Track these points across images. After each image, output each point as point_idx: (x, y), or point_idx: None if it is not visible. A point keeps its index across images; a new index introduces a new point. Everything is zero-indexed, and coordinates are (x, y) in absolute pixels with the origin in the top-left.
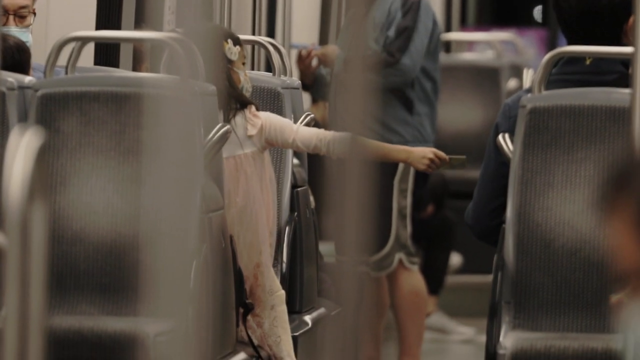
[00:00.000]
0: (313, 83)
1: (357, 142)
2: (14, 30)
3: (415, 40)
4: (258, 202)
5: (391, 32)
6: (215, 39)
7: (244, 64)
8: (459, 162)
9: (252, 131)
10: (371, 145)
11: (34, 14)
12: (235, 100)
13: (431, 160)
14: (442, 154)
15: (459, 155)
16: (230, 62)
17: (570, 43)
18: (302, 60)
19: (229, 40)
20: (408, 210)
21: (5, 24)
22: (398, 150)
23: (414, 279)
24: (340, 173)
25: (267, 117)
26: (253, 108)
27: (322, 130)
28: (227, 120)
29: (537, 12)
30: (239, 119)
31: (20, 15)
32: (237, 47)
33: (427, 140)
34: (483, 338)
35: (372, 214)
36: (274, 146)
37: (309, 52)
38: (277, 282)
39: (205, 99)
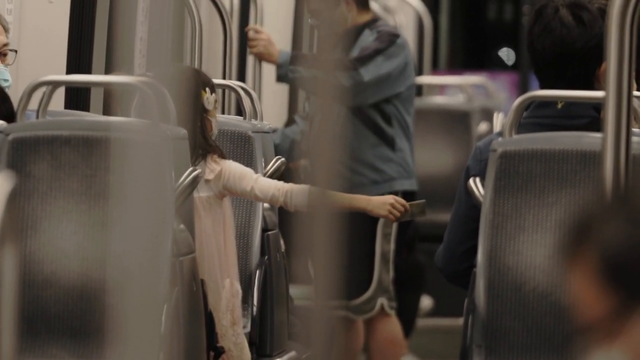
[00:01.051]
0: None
1: (324, 192)
2: (2, 68)
3: (377, 60)
4: (209, 246)
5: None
6: (192, 86)
7: (215, 108)
8: (418, 208)
9: (210, 176)
10: (333, 196)
11: (15, 51)
12: (201, 147)
13: (392, 206)
14: (402, 200)
15: (418, 201)
16: (205, 110)
17: (542, 86)
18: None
19: (207, 89)
20: (391, 255)
21: None
22: (358, 199)
23: (392, 324)
24: (309, 221)
25: (228, 165)
26: (215, 156)
27: (281, 182)
28: (191, 164)
29: (504, 53)
30: (201, 164)
31: (3, 53)
32: (213, 95)
33: (411, 176)
34: None
35: (344, 260)
36: (232, 194)
37: None
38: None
39: (176, 143)
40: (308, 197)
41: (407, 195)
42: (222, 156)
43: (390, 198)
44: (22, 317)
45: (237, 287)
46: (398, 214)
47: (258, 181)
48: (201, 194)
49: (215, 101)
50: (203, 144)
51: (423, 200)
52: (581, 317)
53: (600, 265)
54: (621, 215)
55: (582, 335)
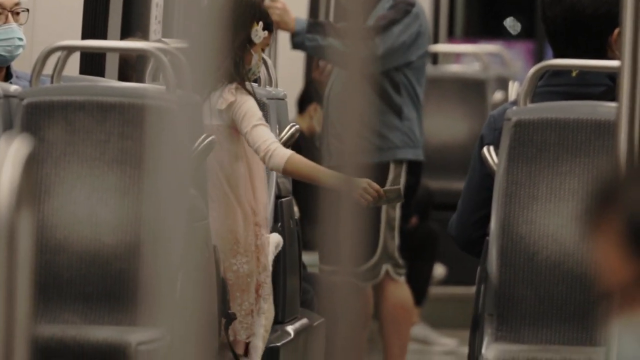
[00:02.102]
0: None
1: (351, 154)
2: (15, 27)
3: (393, 31)
4: (225, 171)
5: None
6: (244, 13)
7: (263, 50)
8: (394, 194)
9: (222, 105)
10: (307, 165)
11: (27, 10)
12: (226, 73)
13: (364, 190)
14: (376, 185)
15: (393, 187)
16: (250, 41)
17: (556, 54)
18: (320, 71)
19: (260, 23)
20: (397, 222)
21: (5, 21)
22: (332, 175)
23: (400, 290)
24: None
25: (241, 100)
26: (234, 87)
27: (271, 139)
28: (210, 89)
29: (509, 23)
30: (219, 91)
31: (16, 12)
32: (265, 32)
33: (417, 146)
34: (465, 349)
35: (361, 224)
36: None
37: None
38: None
39: (191, 109)
40: (286, 163)
41: (412, 165)
42: (245, 89)
43: (364, 182)
44: (34, 283)
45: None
46: (370, 199)
47: (254, 129)
48: (213, 122)
49: (265, 40)
50: (229, 71)
51: (399, 186)
52: (604, 283)
53: (626, 230)
54: None
55: (603, 302)
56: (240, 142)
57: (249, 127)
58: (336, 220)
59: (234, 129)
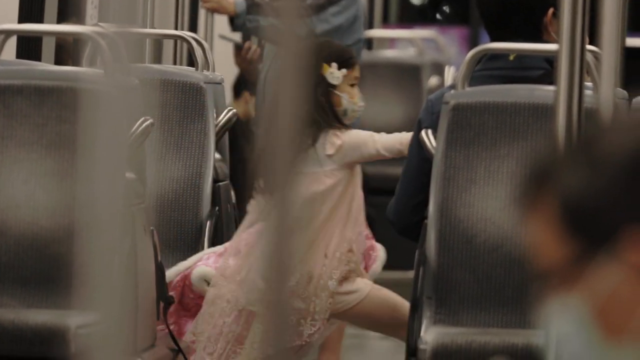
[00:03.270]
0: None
1: (287, 137)
2: None
3: (330, 10)
4: (336, 214)
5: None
6: (314, 56)
7: (353, 85)
8: None
9: (330, 150)
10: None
11: None
12: (320, 120)
13: None
14: None
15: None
16: (330, 84)
17: (492, 39)
18: (242, 57)
19: (333, 64)
20: None
21: None
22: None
23: None
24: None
25: (348, 137)
26: (337, 130)
27: (400, 135)
28: (312, 141)
29: (443, 8)
30: (322, 138)
31: None
32: (343, 70)
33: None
34: None
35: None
36: (357, 163)
37: (248, 48)
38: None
39: (128, 93)
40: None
41: None
42: (346, 129)
43: None
44: None
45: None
46: None
47: (379, 141)
48: (325, 168)
49: (349, 76)
50: (323, 118)
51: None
52: (539, 264)
53: (561, 211)
54: (582, 161)
55: (538, 284)
56: (354, 180)
57: (375, 146)
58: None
59: (348, 166)
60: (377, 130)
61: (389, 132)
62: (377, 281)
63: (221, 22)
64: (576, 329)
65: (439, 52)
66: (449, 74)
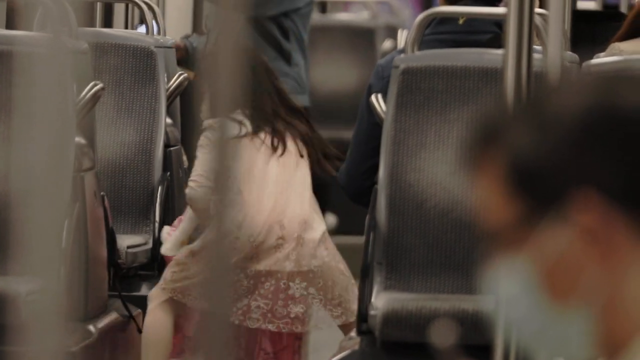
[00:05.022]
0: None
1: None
2: None
3: None
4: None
5: None
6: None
7: None
8: None
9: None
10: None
11: None
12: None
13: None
14: None
15: None
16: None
17: (443, 2)
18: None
19: None
20: None
21: None
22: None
23: None
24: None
25: None
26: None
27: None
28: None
29: None
30: None
31: None
32: None
33: (305, 92)
34: None
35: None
36: None
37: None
38: None
39: (78, 57)
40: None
41: None
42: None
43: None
44: None
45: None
46: None
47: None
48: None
49: None
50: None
51: None
52: (486, 225)
53: (508, 171)
54: (530, 122)
55: (486, 245)
56: None
57: None
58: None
59: None
60: (331, 94)
61: (342, 95)
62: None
63: None
64: (523, 291)
65: (392, 15)
66: (402, 37)
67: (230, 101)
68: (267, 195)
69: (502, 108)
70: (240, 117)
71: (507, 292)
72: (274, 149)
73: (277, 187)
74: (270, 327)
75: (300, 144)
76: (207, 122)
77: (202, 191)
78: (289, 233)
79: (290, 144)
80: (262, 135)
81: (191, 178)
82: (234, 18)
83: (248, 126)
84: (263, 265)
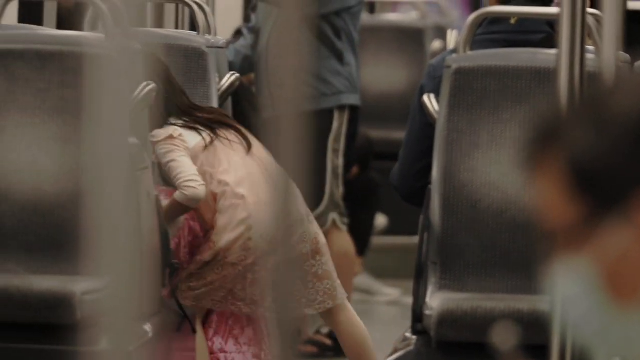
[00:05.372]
0: None
1: (293, 102)
2: None
3: None
4: None
5: None
6: None
7: None
8: None
9: None
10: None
11: None
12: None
13: None
14: None
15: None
16: None
17: (494, 2)
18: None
19: None
20: (340, 170)
21: None
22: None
23: (343, 239)
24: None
25: None
26: None
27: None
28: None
29: None
30: None
31: None
32: None
33: (357, 91)
34: (408, 299)
35: (309, 173)
36: None
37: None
38: None
39: (130, 57)
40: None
41: (353, 110)
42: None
43: None
44: None
45: None
46: None
47: None
48: None
49: None
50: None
51: None
52: (546, 226)
53: (569, 172)
54: (587, 122)
55: (545, 247)
56: None
57: None
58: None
59: None
60: (380, 95)
61: (391, 96)
62: (382, 247)
63: None
64: (583, 292)
65: (441, 15)
66: (452, 37)
67: (295, 96)
68: (261, 190)
69: (559, 109)
70: (191, 125)
71: (567, 292)
72: (247, 144)
73: (264, 179)
74: (310, 311)
75: (243, 132)
76: (157, 132)
77: (204, 189)
78: (294, 218)
79: (245, 135)
80: (225, 134)
81: (186, 179)
82: (294, 17)
83: (206, 132)
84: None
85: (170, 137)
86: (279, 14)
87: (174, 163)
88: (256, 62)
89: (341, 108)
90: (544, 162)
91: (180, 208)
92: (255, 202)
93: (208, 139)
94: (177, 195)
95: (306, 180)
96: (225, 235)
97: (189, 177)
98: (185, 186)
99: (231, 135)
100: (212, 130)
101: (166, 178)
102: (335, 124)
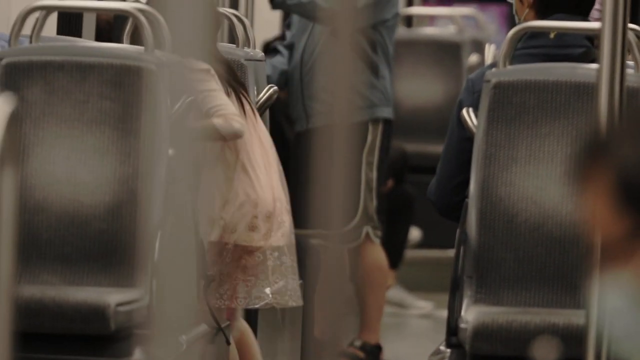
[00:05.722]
0: None
1: (341, 115)
2: None
3: None
4: None
5: None
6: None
7: None
8: None
9: None
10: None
11: None
12: None
13: None
14: None
15: None
16: None
17: (537, 15)
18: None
19: None
20: (374, 183)
21: None
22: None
23: (377, 252)
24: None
25: None
26: None
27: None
28: None
29: None
30: None
31: None
32: None
33: (390, 104)
34: (441, 312)
35: (344, 186)
36: None
37: None
38: None
39: (171, 70)
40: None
41: (387, 123)
42: None
43: None
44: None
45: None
46: None
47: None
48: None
49: None
50: None
51: None
52: (587, 239)
53: (617, 186)
54: (634, 137)
55: (589, 260)
56: None
57: None
58: (319, 182)
59: None
60: (416, 108)
61: (427, 109)
62: (415, 260)
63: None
64: (629, 305)
65: (478, 29)
66: (489, 51)
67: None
68: (262, 168)
69: (604, 123)
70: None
71: (612, 305)
72: (247, 113)
73: (264, 158)
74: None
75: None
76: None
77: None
78: (285, 205)
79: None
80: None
81: (232, 112)
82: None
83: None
84: (276, 241)
85: (208, 71)
86: (315, 29)
87: (215, 93)
88: (290, 76)
89: (375, 121)
90: (591, 176)
91: (215, 136)
92: (259, 179)
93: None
94: (219, 122)
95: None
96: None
97: (234, 112)
98: (233, 119)
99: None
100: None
101: None
102: (369, 137)
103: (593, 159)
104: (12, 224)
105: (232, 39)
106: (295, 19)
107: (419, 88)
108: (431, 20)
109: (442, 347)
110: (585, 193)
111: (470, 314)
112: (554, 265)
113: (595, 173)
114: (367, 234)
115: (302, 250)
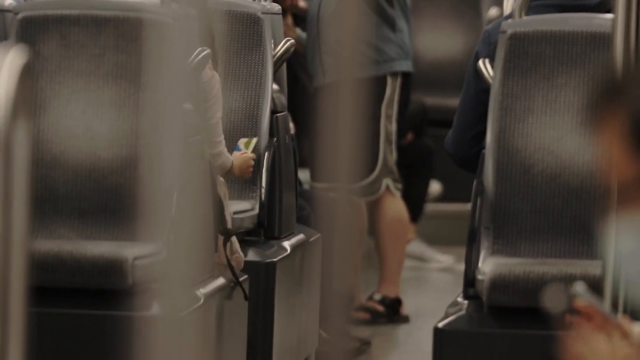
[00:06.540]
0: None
1: (349, 69)
2: None
3: None
4: None
5: None
6: None
7: None
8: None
9: None
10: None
11: None
12: None
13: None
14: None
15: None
16: None
17: None
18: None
19: None
20: (394, 136)
21: None
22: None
23: (397, 205)
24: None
25: None
26: None
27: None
28: None
29: None
30: None
31: None
32: None
33: (409, 57)
34: (461, 266)
35: (361, 139)
36: None
37: None
38: None
39: (186, 22)
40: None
41: (405, 76)
42: None
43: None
44: (30, 197)
45: None
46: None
47: None
48: None
49: None
50: None
51: (255, 138)
52: (604, 184)
53: (631, 129)
54: None
55: (604, 204)
56: None
57: None
58: (335, 134)
59: None
60: (435, 62)
61: (447, 63)
62: (435, 214)
63: None
64: None
65: None
66: (508, 4)
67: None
68: None
69: (619, 69)
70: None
71: (627, 247)
72: None
73: None
74: None
75: None
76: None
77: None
78: None
79: None
80: None
81: (224, 149)
82: None
83: None
84: None
85: (214, 76)
86: None
87: (220, 121)
88: (307, 30)
89: (393, 75)
90: (606, 120)
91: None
92: None
93: None
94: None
95: (360, 145)
96: None
97: (224, 148)
98: (227, 157)
99: None
100: None
101: None
102: (388, 91)
103: (607, 102)
104: (26, 178)
105: None
106: None
107: (438, 41)
108: None
109: (460, 299)
110: (600, 136)
111: (488, 266)
112: (571, 215)
113: (610, 116)
114: (388, 187)
115: (321, 204)
